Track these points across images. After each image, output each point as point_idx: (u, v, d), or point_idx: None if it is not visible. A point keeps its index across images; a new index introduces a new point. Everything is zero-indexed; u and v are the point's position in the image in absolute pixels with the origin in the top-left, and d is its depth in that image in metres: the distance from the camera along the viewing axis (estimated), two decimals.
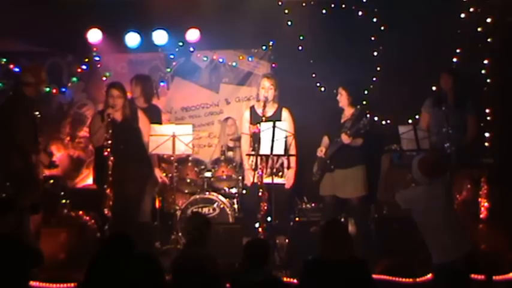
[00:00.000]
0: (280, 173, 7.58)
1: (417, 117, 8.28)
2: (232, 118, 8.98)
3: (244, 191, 8.20)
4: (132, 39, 9.33)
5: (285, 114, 7.71)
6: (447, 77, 7.93)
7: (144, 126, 7.76)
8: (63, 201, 8.10)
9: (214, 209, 8.19)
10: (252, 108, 7.88)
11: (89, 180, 9.21)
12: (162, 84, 9.80)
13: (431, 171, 6.10)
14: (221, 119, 9.66)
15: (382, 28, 8.98)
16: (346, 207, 7.90)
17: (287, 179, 7.66)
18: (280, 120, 7.45)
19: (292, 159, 7.68)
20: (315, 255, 5.30)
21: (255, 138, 7.54)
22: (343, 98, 7.81)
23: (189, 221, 6.15)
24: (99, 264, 4.86)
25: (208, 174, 8.52)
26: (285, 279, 6.42)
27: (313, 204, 8.33)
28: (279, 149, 7.15)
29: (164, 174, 8.56)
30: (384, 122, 8.92)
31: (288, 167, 7.68)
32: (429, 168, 6.11)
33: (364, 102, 8.49)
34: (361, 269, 5.21)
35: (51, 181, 8.32)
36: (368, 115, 7.59)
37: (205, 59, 9.83)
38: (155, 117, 8.23)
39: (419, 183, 6.22)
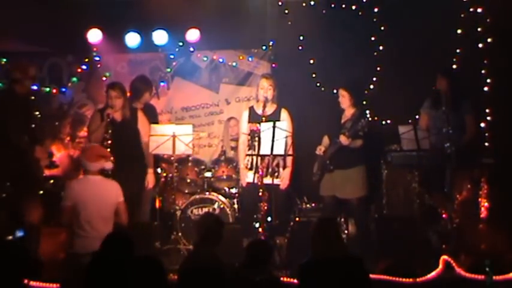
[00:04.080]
0: (276, 174, 7.57)
1: (417, 117, 8.27)
2: (235, 118, 8.96)
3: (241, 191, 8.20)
4: (132, 39, 9.35)
5: (284, 114, 7.70)
6: (442, 78, 7.93)
7: (143, 126, 7.75)
8: None
9: (214, 209, 8.18)
10: (251, 108, 7.88)
11: None
12: (162, 84, 9.80)
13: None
14: (221, 119, 9.67)
15: (382, 28, 8.98)
16: (346, 207, 7.90)
17: (282, 179, 7.64)
18: (279, 120, 7.45)
19: (289, 159, 7.67)
20: (309, 257, 5.30)
21: (253, 137, 7.55)
22: (345, 100, 7.79)
23: (201, 220, 6.12)
24: (99, 264, 4.85)
25: (208, 174, 8.52)
26: (285, 279, 6.41)
27: (313, 205, 8.32)
28: (278, 149, 7.15)
29: (165, 174, 8.58)
30: (384, 122, 8.92)
31: (284, 167, 7.67)
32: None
33: (365, 102, 8.49)
34: (357, 266, 5.21)
35: (51, 181, 8.33)
36: (367, 116, 7.58)
37: (205, 59, 9.83)
38: (151, 117, 8.21)
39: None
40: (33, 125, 7.77)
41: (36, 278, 5.76)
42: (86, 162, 6.94)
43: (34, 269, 5.45)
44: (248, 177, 7.62)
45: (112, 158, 7.26)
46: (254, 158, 7.51)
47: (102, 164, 6.95)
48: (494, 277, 6.30)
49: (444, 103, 7.68)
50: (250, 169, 7.61)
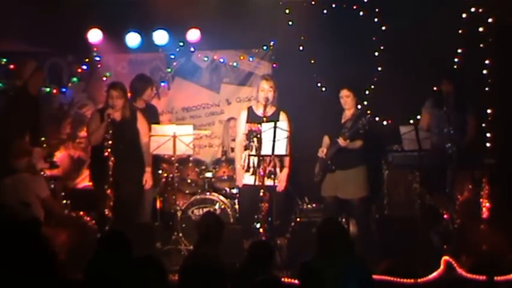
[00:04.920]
0: (272, 176, 7.52)
1: (418, 117, 8.26)
2: (235, 119, 8.95)
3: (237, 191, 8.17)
4: (133, 39, 9.34)
5: (282, 117, 7.66)
6: (448, 84, 7.91)
7: (142, 126, 7.72)
8: (64, 201, 8.09)
9: (215, 210, 8.16)
10: (250, 109, 7.83)
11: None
12: (162, 84, 9.79)
13: None
14: (222, 119, 9.65)
15: (383, 28, 8.97)
16: (347, 207, 7.87)
17: (279, 181, 7.58)
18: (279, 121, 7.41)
19: (287, 161, 7.64)
20: (311, 256, 5.30)
21: (250, 136, 7.53)
22: (349, 100, 7.74)
23: (202, 220, 6.11)
24: (97, 264, 4.84)
25: (209, 174, 8.50)
26: (285, 279, 6.40)
27: (314, 205, 8.31)
28: (280, 150, 7.12)
29: (165, 174, 8.56)
30: (385, 123, 8.90)
31: (281, 168, 7.62)
32: None
33: (366, 103, 8.48)
34: (359, 267, 5.20)
35: (52, 181, 8.31)
36: (367, 115, 7.56)
37: (205, 59, 9.82)
38: (153, 117, 8.19)
39: None
40: (37, 125, 7.84)
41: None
42: (12, 160, 7.00)
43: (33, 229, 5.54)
44: (244, 178, 7.58)
45: (112, 159, 7.26)
46: (251, 159, 7.48)
47: (27, 161, 6.98)
48: (495, 277, 6.30)
49: (446, 103, 7.67)
50: (247, 170, 7.56)
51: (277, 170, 7.56)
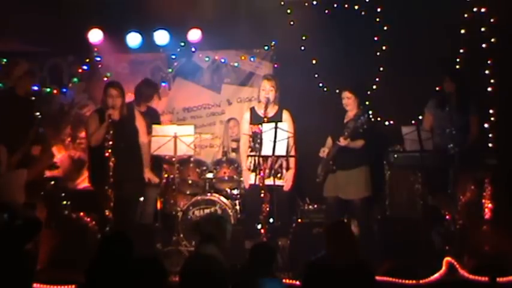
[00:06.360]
0: (278, 175, 7.51)
1: (420, 117, 8.23)
2: (234, 119, 8.94)
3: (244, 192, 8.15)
4: (134, 39, 9.32)
5: (285, 115, 7.64)
6: (450, 82, 7.88)
7: (140, 125, 7.68)
8: (64, 202, 8.07)
9: (216, 211, 8.13)
10: (253, 109, 7.81)
11: None
12: (163, 84, 9.76)
13: None
14: (223, 119, 9.62)
15: (385, 28, 8.95)
16: (348, 208, 7.84)
17: (285, 181, 7.58)
18: (281, 121, 7.38)
19: (292, 161, 7.61)
20: (318, 257, 5.28)
21: (255, 138, 7.50)
22: (350, 102, 7.70)
23: (205, 221, 6.08)
24: (98, 265, 4.82)
25: (210, 175, 8.47)
26: (287, 281, 6.38)
27: (315, 206, 8.29)
28: (280, 150, 7.10)
29: (166, 175, 8.53)
30: (387, 123, 8.88)
31: (287, 169, 7.61)
32: None
33: (367, 103, 8.45)
34: (365, 273, 5.18)
35: (52, 182, 8.30)
36: (365, 115, 7.53)
37: (207, 59, 9.80)
38: (154, 119, 8.16)
39: None
40: (34, 127, 7.79)
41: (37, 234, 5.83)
42: None
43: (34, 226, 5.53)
44: (251, 179, 7.57)
45: (113, 159, 7.24)
46: (256, 159, 7.45)
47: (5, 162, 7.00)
48: (498, 279, 6.28)
49: (450, 103, 7.64)
50: (253, 171, 7.54)
51: (284, 169, 7.55)
